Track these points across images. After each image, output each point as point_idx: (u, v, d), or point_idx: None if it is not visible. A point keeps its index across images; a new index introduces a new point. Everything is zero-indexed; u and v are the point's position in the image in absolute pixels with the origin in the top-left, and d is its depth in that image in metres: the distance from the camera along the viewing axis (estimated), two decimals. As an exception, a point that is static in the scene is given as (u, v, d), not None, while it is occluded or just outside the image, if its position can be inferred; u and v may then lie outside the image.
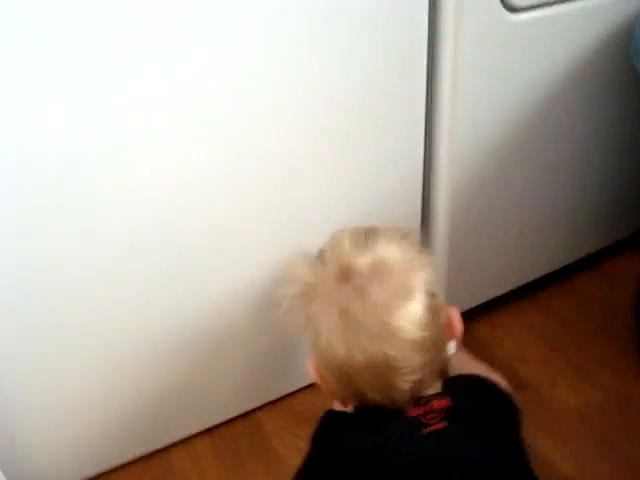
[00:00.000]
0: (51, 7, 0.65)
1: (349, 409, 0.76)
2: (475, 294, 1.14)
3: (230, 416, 1.05)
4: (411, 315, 0.68)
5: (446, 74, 0.87)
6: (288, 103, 0.82)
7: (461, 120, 0.92)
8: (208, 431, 1.05)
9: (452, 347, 0.78)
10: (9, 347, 0.82)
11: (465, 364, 1.02)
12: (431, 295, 0.71)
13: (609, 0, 0.95)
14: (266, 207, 0.89)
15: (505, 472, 0.70)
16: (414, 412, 0.70)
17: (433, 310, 0.71)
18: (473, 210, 1.03)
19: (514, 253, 1.13)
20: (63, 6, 0.65)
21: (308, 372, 0.78)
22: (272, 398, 1.07)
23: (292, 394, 1.07)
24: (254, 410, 1.07)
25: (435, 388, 0.74)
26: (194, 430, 1.04)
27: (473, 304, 1.15)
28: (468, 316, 1.15)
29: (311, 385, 1.04)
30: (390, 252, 0.72)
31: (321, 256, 0.77)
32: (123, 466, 1.01)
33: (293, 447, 0.99)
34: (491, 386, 0.81)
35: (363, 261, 0.71)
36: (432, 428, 0.69)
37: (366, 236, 0.74)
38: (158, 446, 1.03)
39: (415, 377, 0.69)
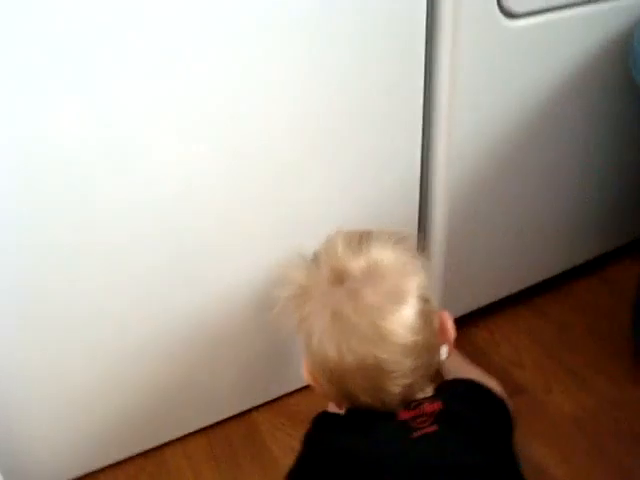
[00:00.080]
0: (59, 7, 0.67)
1: (342, 411, 0.77)
2: (472, 298, 1.15)
3: (226, 416, 1.07)
4: (403, 319, 0.69)
5: (444, 78, 0.88)
6: (285, 104, 0.83)
7: (459, 124, 0.93)
8: (204, 430, 1.06)
9: (444, 352, 0.78)
10: (8, 339, 0.84)
11: (461, 368, 1.03)
12: (424, 300, 0.72)
13: (607, 7, 0.96)
14: (264, 206, 0.90)
15: (494, 477, 0.71)
16: (405, 415, 0.71)
17: (425, 315, 0.72)
18: (470, 214, 1.04)
19: (512, 258, 1.14)
20: (71, 6, 0.67)
21: (302, 373, 0.79)
22: (268, 398, 1.08)
23: (288, 395, 1.08)
24: (250, 410, 1.08)
25: (427, 392, 0.76)
26: (190, 429, 1.05)
27: (470, 308, 1.16)
28: (465, 320, 1.16)
29: (307, 386, 1.04)
30: (384, 256, 0.73)
31: (316, 258, 0.78)
32: (119, 463, 1.02)
33: (288, 448, 1.00)
34: (484, 391, 0.82)
35: (357, 264, 0.72)
36: (422, 432, 0.70)
37: (360, 239, 0.75)
38: (154, 444, 1.04)
39: (406, 381, 0.70)
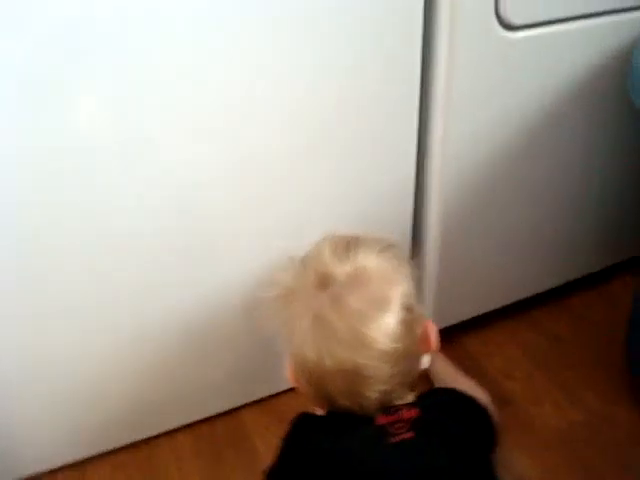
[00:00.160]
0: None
1: (322, 412, 0.79)
2: (465, 308, 1.16)
3: (214, 413, 1.08)
4: (384, 327, 0.70)
5: (440, 88, 0.89)
6: (282, 109, 0.85)
7: (454, 133, 0.94)
8: (191, 426, 1.08)
9: (426, 361, 0.79)
10: (6, 325, 0.86)
11: (449, 376, 1.04)
12: (407, 308, 0.73)
13: (607, 21, 0.96)
14: (260, 208, 0.92)
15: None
16: (383, 420, 0.72)
17: (408, 323, 0.73)
18: (465, 223, 1.04)
19: (507, 269, 1.14)
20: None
21: (286, 374, 0.80)
22: (257, 398, 1.10)
23: (277, 395, 1.10)
24: (238, 408, 1.09)
25: (407, 399, 0.76)
26: (178, 424, 1.07)
27: (463, 318, 1.17)
28: (459, 329, 1.17)
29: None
30: (370, 263, 0.75)
31: (303, 262, 0.79)
32: (107, 453, 1.04)
33: (274, 447, 1.00)
34: (466, 400, 0.82)
35: (342, 270, 0.73)
36: (399, 438, 0.71)
37: (348, 245, 0.76)
38: (141, 437, 1.06)
39: (384, 387, 0.71)
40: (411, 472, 0.71)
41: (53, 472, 1.02)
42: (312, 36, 0.81)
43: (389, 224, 0.99)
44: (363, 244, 0.77)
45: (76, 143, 0.77)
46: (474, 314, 1.18)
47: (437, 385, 1.06)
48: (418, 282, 1.02)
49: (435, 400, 0.79)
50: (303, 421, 0.79)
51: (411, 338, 0.74)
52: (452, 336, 1.17)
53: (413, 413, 0.73)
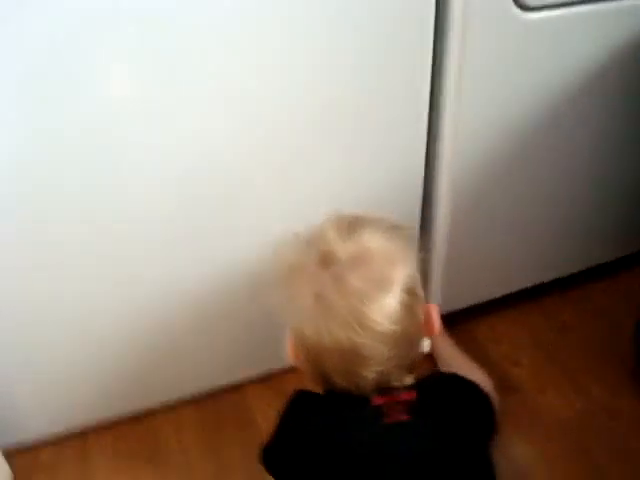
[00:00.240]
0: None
1: (319, 391, 0.79)
2: (474, 293, 1.15)
3: (217, 387, 1.09)
4: (384, 308, 0.70)
5: (453, 71, 0.88)
6: (296, 93, 0.85)
7: (466, 117, 0.93)
8: (195, 399, 1.09)
9: (426, 345, 0.79)
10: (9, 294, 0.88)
11: (453, 360, 1.04)
12: (409, 291, 0.72)
13: (628, 4, 0.94)
14: (270, 186, 0.93)
15: (461, 472, 0.72)
16: (378, 401, 0.73)
17: (409, 306, 0.72)
18: (475, 207, 1.04)
19: (517, 255, 1.13)
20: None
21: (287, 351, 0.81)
22: (260, 374, 1.11)
23: (280, 372, 1.10)
24: (241, 384, 1.11)
25: (405, 381, 0.76)
26: (182, 396, 1.08)
27: (471, 302, 1.16)
28: (467, 314, 1.17)
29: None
30: (374, 243, 0.74)
31: (307, 239, 0.79)
32: (107, 425, 1.06)
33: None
34: (467, 385, 0.82)
35: (345, 249, 0.73)
36: (394, 419, 0.72)
37: (353, 225, 0.76)
38: (144, 407, 1.08)
39: (380, 368, 0.71)
40: (405, 454, 0.72)
41: (55, 440, 1.04)
42: (324, 17, 0.81)
43: (398, 206, 0.99)
44: (368, 224, 0.76)
45: (96, 110, 0.78)
46: (482, 300, 1.17)
47: (441, 368, 1.06)
48: (425, 265, 1.02)
49: (434, 384, 0.79)
50: (300, 399, 0.79)
51: (412, 321, 0.73)
52: (459, 321, 1.17)
53: (410, 396, 0.73)
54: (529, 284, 1.19)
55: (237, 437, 1.04)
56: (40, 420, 1.02)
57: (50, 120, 0.77)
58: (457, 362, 1.03)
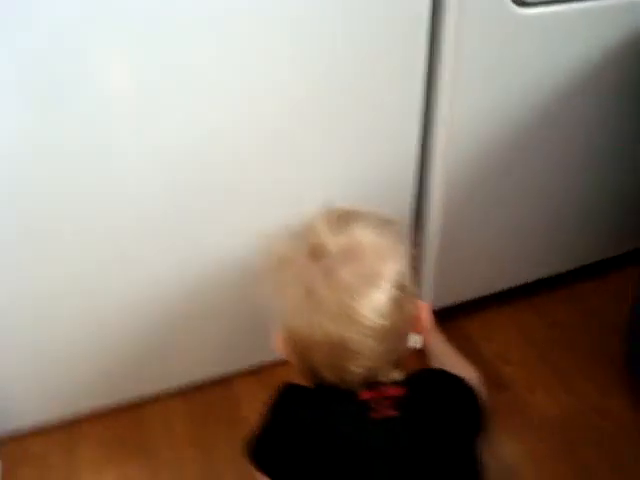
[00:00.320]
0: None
1: (307, 384, 0.79)
2: (466, 288, 1.16)
3: (207, 379, 1.10)
4: (374, 303, 0.70)
5: (447, 62, 0.88)
6: (287, 77, 0.85)
7: (461, 110, 0.93)
8: (184, 391, 1.10)
9: (417, 341, 0.79)
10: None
11: (444, 356, 1.04)
12: (399, 287, 0.73)
13: (625, 1, 0.94)
14: (261, 178, 0.93)
15: (446, 469, 0.73)
16: (366, 396, 0.73)
17: (398, 302, 0.72)
18: (468, 202, 1.04)
19: (510, 252, 1.14)
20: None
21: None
22: (250, 367, 1.11)
23: (270, 365, 1.11)
24: (231, 376, 1.11)
25: (394, 377, 0.77)
26: (170, 388, 1.09)
27: (463, 298, 1.17)
28: (458, 311, 1.18)
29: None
30: (365, 237, 0.74)
31: (298, 232, 0.79)
32: (97, 414, 1.07)
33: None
34: (456, 382, 0.82)
35: (336, 243, 0.73)
36: (381, 415, 0.72)
37: (344, 218, 0.76)
38: (133, 397, 1.08)
39: (368, 363, 0.71)
40: (391, 449, 0.72)
41: (43, 430, 1.05)
42: (318, 2, 0.81)
43: (390, 199, 0.99)
44: (360, 218, 0.76)
45: (95, 94, 0.78)
46: (475, 296, 1.18)
47: (432, 364, 1.06)
48: (417, 260, 1.03)
49: (423, 380, 0.79)
50: (287, 392, 0.80)
51: (401, 317, 0.73)
52: (451, 317, 1.18)
53: (398, 392, 0.74)
54: (522, 281, 1.19)
55: (225, 429, 1.04)
56: (28, 410, 1.03)
57: (45, 104, 0.77)
58: (447, 358, 1.03)
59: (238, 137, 0.88)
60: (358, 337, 0.70)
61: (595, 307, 1.22)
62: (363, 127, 0.93)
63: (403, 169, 0.98)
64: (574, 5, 0.91)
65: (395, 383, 0.75)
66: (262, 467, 0.82)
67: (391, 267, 0.73)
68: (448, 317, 1.16)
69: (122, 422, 1.06)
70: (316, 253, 0.73)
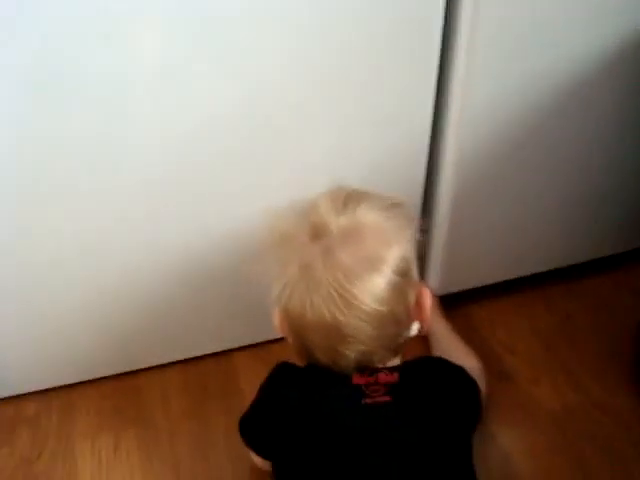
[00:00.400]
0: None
1: (302, 364, 0.79)
2: (474, 275, 1.14)
3: (205, 352, 1.10)
4: (371, 288, 0.69)
5: (462, 43, 0.86)
6: (297, 53, 0.84)
7: (475, 93, 0.91)
8: (183, 363, 1.10)
9: (415, 328, 0.78)
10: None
11: (446, 342, 1.04)
12: (400, 273, 0.71)
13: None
14: (269, 153, 0.91)
15: (436, 459, 0.72)
16: (358, 380, 0.73)
17: (398, 288, 0.71)
18: (480, 185, 1.01)
19: (522, 240, 1.11)
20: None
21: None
22: (250, 342, 1.11)
23: (271, 341, 1.10)
24: (230, 351, 1.11)
25: (391, 363, 0.76)
26: (169, 359, 1.09)
27: (471, 285, 1.15)
28: (466, 297, 1.16)
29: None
30: (368, 219, 0.73)
31: (302, 210, 0.78)
32: (94, 382, 1.08)
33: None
34: (454, 371, 0.82)
35: (337, 223, 0.72)
36: (373, 400, 0.72)
37: (350, 199, 0.74)
38: (131, 368, 1.09)
39: (362, 348, 0.71)
40: (382, 435, 0.72)
41: (40, 394, 1.06)
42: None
43: (401, 180, 0.97)
44: (366, 199, 0.75)
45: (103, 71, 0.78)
46: (483, 283, 1.16)
47: (433, 349, 1.05)
48: (424, 246, 1.01)
49: (419, 367, 0.79)
50: (281, 371, 0.80)
51: (400, 303, 0.72)
52: (458, 304, 1.16)
53: (392, 378, 0.73)
54: (532, 271, 1.17)
55: (222, 405, 1.05)
56: (25, 377, 1.03)
57: (51, 73, 0.76)
58: (450, 346, 1.03)
59: (249, 117, 0.87)
60: (353, 321, 0.69)
61: (607, 302, 1.19)
62: (374, 110, 0.91)
63: (414, 153, 0.96)
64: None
65: (391, 369, 0.75)
66: (251, 445, 0.83)
67: (394, 251, 0.72)
68: (455, 303, 1.15)
69: (119, 391, 1.07)
70: (317, 232, 0.72)
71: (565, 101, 0.96)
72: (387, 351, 0.74)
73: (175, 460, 0.99)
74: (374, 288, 0.69)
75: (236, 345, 1.11)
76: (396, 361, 0.77)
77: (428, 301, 0.78)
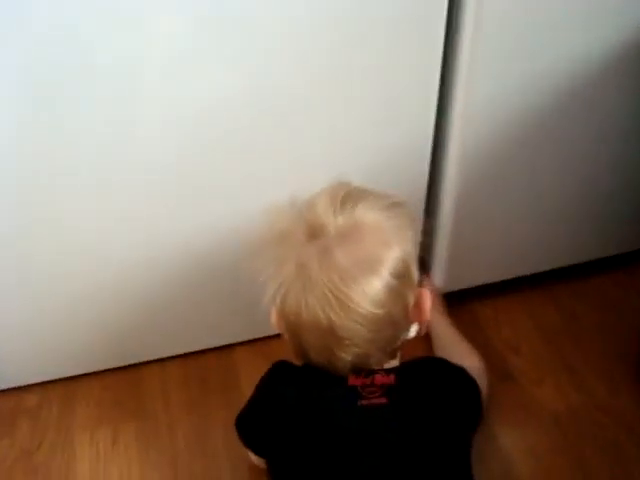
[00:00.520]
0: None
1: (299, 363, 0.79)
2: (479, 273, 1.14)
3: (206, 347, 1.11)
4: (368, 290, 0.69)
5: (466, 41, 0.85)
6: (299, 46, 0.83)
7: (478, 91, 0.90)
8: (184, 357, 1.11)
9: (413, 330, 0.77)
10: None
11: (448, 340, 1.03)
12: (398, 275, 0.70)
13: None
14: (271, 147, 0.91)
15: (432, 461, 0.73)
16: (354, 382, 0.73)
17: (396, 291, 0.70)
18: (485, 181, 1.01)
19: (528, 238, 1.11)
20: None
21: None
22: (251, 338, 1.12)
23: (271, 337, 1.11)
24: (231, 346, 1.12)
25: (389, 364, 0.76)
26: (169, 354, 1.10)
27: (476, 283, 1.15)
28: (471, 294, 1.16)
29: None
30: (367, 219, 0.72)
31: (300, 208, 0.77)
32: (96, 375, 1.09)
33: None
34: (453, 371, 0.82)
35: (335, 222, 0.71)
36: (369, 402, 0.72)
37: (349, 197, 0.73)
38: (133, 361, 1.10)
39: (358, 350, 0.70)
40: (375, 437, 0.73)
41: (41, 386, 1.07)
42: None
43: (404, 181, 0.97)
44: (365, 198, 0.74)
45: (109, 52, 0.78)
46: (488, 281, 1.15)
47: (435, 347, 1.05)
48: (429, 243, 1.01)
49: (418, 369, 0.79)
50: (278, 370, 0.80)
51: (398, 306, 0.72)
52: (463, 301, 1.16)
53: (388, 380, 0.73)
54: (538, 269, 1.17)
55: (221, 399, 1.06)
56: (26, 369, 1.04)
57: (50, 72, 0.77)
58: (451, 344, 1.03)
59: (251, 114, 0.87)
60: (349, 324, 0.69)
61: (614, 302, 1.18)
62: (378, 110, 0.91)
63: (418, 151, 0.96)
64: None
65: (387, 371, 0.75)
66: (247, 442, 0.83)
67: (393, 253, 0.71)
68: (460, 300, 1.15)
69: (119, 384, 1.08)
70: (314, 232, 0.72)
71: (567, 101, 0.96)
72: (384, 353, 0.74)
73: (173, 453, 1.00)
74: (370, 291, 0.69)
75: (236, 340, 1.11)
76: (394, 363, 0.77)
77: (428, 302, 0.77)
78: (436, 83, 0.90)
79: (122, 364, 1.09)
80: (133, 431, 1.02)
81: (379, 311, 0.69)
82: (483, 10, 0.83)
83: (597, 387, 1.05)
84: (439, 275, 1.10)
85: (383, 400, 0.72)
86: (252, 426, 0.81)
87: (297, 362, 0.82)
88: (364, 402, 0.72)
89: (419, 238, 0.78)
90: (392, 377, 0.73)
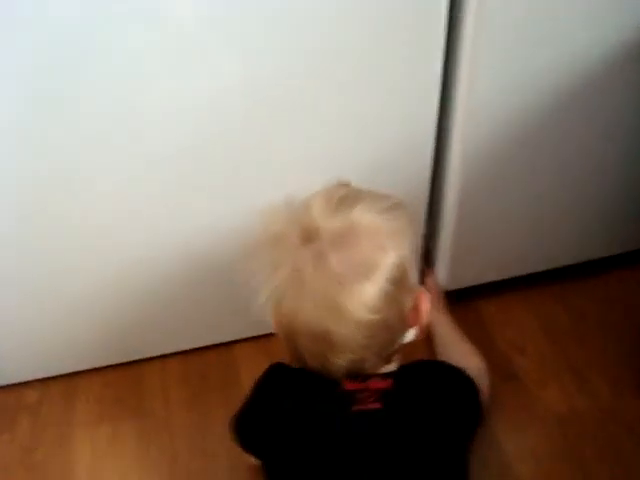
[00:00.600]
0: None
1: (296, 365, 0.78)
2: (483, 271, 1.13)
3: (207, 344, 1.11)
4: (363, 296, 0.68)
5: (468, 37, 0.85)
6: (300, 45, 0.83)
7: (481, 88, 0.90)
8: (185, 354, 1.12)
9: (411, 334, 0.77)
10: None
11: (449, 341, 1.03)
12: (394, 280, 0.70)
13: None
14: (271, 147, 0.91)
15: (426, 466, 0.73)
16: (349, 387, 0.73)
17: (391, 296, 0.70)
18: (488, 179, 1.00)
19: (532, 236, 1.10)
20: None
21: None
22: (251, 335, 1.12)
23: (273, 334, 1.09)
24: (232, 343, 1.12)
25: (383, 369, 0.76)
26: (169, 351, 1.11)
27: (479, 281, 1.14)
28: (475, 293, 1.15)
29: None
30: (364, 222, 0.71)
31: (295, 210, 0.76)
32: (97, 371, 1.10)
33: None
34: (452, 374, 0.82)
35: (330, 226, 0.70)
36: (364, 407, 0.72)
37: (345, 199, 0.73)
38: (134, 358, 1.11)
39: (353, 356, 0.70)
40: (368, 442, 0.73)
41: (41, 383, 1.08)
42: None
43: (406, 179, 0.97)
44: (362, 200, 0.73)
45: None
46: (493, 279, 1.15)
47: (435, 347, 1.04)
48: (432, 238, 1.00)
49: (414, 373, 0.79)
50: (274, 372, 0.81)
51: (394, 311, 0.71)
52: (468, 299, 1.15)
53: (384, 384, 0.73)
54: (543, 268, 1.16)
55: (221, 396, 1.06)
56: (26, 366, 1.05)
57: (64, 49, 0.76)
58: (452, 343, 1.02)
59: (251, 113, 0.87)
60: (343, 330, 0.69)
61: (620, 302, 1.17)
62: (379, 107, 0.90)
63: (420, 149, 0.96)
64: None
65: (384, 375, 0.74)
66: (242, 444, 0.83)
67: (389, 257, 0.70)
68: (464, 298, 1.14)
69: (120, 381, 1.09)
70: (308, 235, 0.71)
71: (568, 100, 0.95)
72: (379, 358, 0.74)
73: (172, 450, 1.01)
74: (365, 297, 0.68)
75: (237, 337, 1.12)
76: (391, 367, 0.77)
77: (426, 306, 0.77)
78: (438, 82, 0.90)
79: (123, 360, 1.09)
80: (133, 428, 1.03)
81: (374, 317, 0.68)
82: (486, 6, 0.82)
83: (601, 388, 1.05)
84: (442, 273, 1.10)
85: (377, 405, 0.72)
86: (247, 429, 0.82)
87: (293, 365, 0.82)
88: (358, 407, 0.72)
89: (419, 240, 0.77)
90: (388, 382, 0.73)
